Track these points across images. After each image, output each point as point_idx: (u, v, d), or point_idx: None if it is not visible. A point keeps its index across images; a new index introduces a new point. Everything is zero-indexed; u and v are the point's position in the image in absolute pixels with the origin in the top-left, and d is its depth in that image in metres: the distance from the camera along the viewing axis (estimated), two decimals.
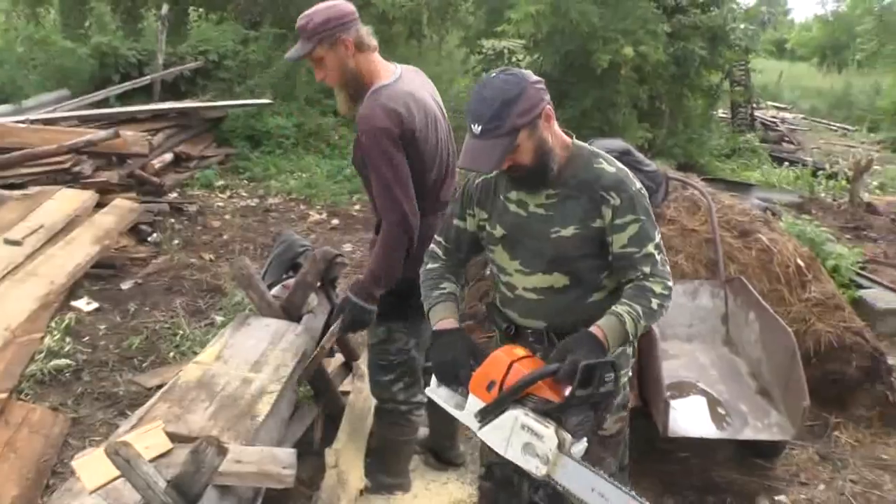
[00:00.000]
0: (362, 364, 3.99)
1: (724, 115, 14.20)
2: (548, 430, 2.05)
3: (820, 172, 11.56)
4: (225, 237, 6.97)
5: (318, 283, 3.56)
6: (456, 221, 2.51)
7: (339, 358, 4.06)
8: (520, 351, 2.22)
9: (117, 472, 2.24)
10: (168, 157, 8.11)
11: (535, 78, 2.22)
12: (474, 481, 3.75)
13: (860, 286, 6.75)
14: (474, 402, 2.21)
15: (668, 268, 2.36)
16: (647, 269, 2.28)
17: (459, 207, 2.49)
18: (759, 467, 4.05)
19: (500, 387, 2.14)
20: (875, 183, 11.87)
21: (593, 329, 2.22)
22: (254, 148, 9.53)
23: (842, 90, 20.21)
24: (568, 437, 2.06)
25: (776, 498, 3.89)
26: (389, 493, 3.53)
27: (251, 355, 3.20)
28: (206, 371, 3.06)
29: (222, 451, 2.22)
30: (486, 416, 2.17)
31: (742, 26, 10.65)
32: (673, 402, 3.58)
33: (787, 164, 12.04)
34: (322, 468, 3.29)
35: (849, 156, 12.55)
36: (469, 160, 2.21)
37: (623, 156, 4.79)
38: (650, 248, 2.30)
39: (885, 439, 4.50)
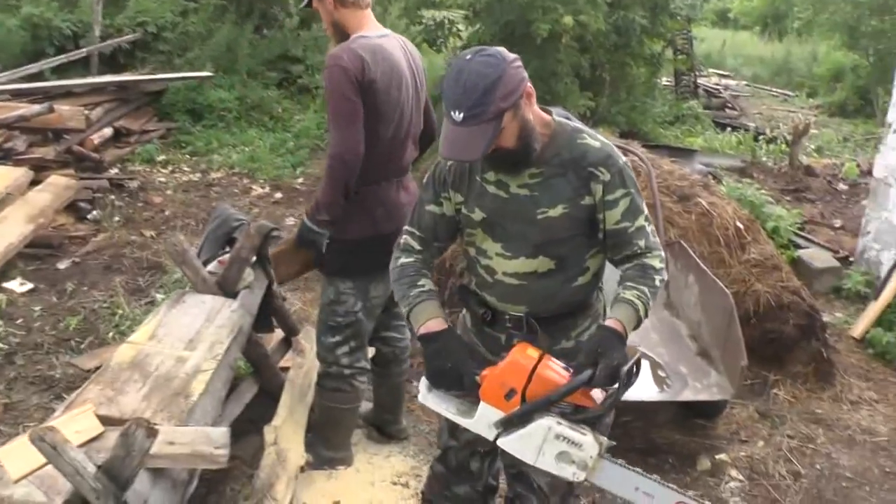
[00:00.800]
0: (302, 339, 3.97)
1: (667, 83, 14.32)
2: (586, 438, 1.99)
3: (761, 137, 11.79)
4: (167, 213, 6.83)
5: (254, 258, 3.50)
6: (430, 207, 2.35)
7: (278, 333, 4.01)
8: (533, 352, 2.08)
9: (44, 460, 2.17)
10: (108, 131, 7.83)
11: (512, 56, 2.10)
12: (417, 454, 3.77)
13: (798, 246, 6.91)
14: (489, 412, 2.08)
15: (657, 237, 2.34)
16: (641, 243, 2.25)
17: (432, 192, 2.34)
18: (700, 427, 4.14)
19: (523, 395, 2.03)
20: (813, 146, 12.12)
21: (612, 324, 2.15)
22: (195, 122, 9.32)
23: (782, 58, 20.56)
24: (604, 440, 2.04)
25: (717, 457, 4.00)
26: (331, 467, 3.54)
27: (186, 333, 3.15)
28: (140, 351, 2.99)
29: (152, 432, 2.17)
30: (509, 426, 2.04)
31: None
32: None
33: (729, 129, 12.23)
34: (263, 446, 3.25)
35: (788, 121, 12.83)
36: (453, 149, 2.09)
37: None
38: (641, 220, 2.26)
39: (819, 394, 4.66)
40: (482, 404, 2.08)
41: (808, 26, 19.57)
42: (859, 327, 5.61)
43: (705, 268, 4.20)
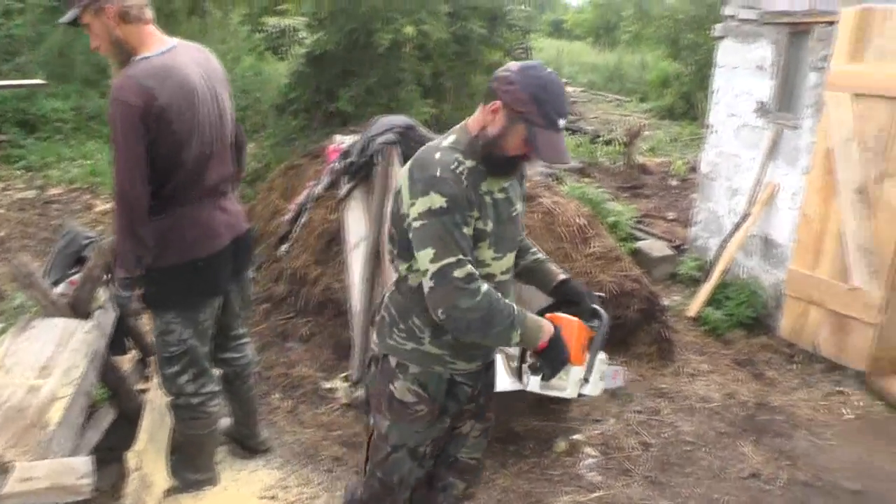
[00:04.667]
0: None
1: None
2: (603, 353, 2.46)
3: (599, 139, 12.41)
4: (1, 234, 6.48)
5: (107, 276, 3.41)
6: (466, 230, 2.24)
7: (134, 354, 3.93)
8: (560, 313, 2.44)
9: None
10: None
11: None
12: (283, 466, 3.78)
13: (637, 238, 7.36)
14: (576, 372, 2.38)
15: None
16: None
17: (460, 216, 2.22)
18: (554, 412, 4.36)
19: (588, 347, 2.41)
20: (646, 147, 12.88)
21: (570, 278, 2.63)
22: (28, 134, 8.82)
23: (614, 65, 21.79)
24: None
25: (573, 437, 4.24)
26: (197, 489, 3.48)
27: (37, 360, 3.05)
28: None
29: (3, 469, 2.09)
30: (590, 372, 2.39)
31: (522, 7, 11.10)
32: None
33: (569, 133, 12.78)
34: (125, 473, 3.18)
35: (623, 124, 13.59)
36: (562, 154, 2.25)
37: (407, 130, 4.94)
38: None
39: (662, 371, 5.04)
40: (574, 369, 2.37)
41: (637, 38, 20.76)
42: (693, 308, 6.07)
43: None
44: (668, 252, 7.22)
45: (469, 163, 2.29)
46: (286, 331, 5.05)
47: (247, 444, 3.82)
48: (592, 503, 3.76)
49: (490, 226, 2.34)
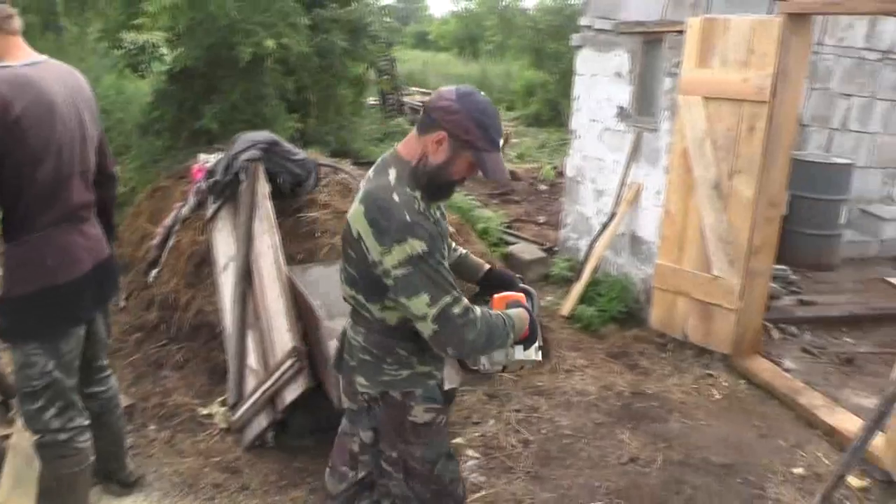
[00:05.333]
0: None
1: (374, 102, 14.82)
2: None
3: None
4: None
5: None
6: (446, 265, 2.30)
7: None
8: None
9: None
10: None
11: None
12: (162, 499, 3.64)
13: (508, 243, 7.50)
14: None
15: None
16: None
17: (438, 252, 2.26)
18: None
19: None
20: (515, 153, 13.14)
21: (494, 267, 2.84)
22: None
23: (480, 75, 22.14)
24: None
25: (453, 441, 4.22)
26: None
27: None
28: None
29: None
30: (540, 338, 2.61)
31: (387, 19, 11.16)
32: None
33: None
34: None
35: None
36: (504, 172, 2.33)
37: (271, 146, 4.87)
38: None
39: (538, 369, 5.15)
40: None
41: (500, 48, 21.24)
42: (567, 306, 6.22)
43: None
44: (540, 254, 7.39)
45: (418, 194, 2.33)
46: (160, 359, 4.88)
47: (116, 479, 3.65)
48: (476, 503, 3.78)
49: (445, 252, 2.43)
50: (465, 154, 2.28)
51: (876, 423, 3.59)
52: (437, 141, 2.28)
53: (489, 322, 2.31)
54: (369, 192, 2.30)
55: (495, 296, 2.59)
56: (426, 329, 2.26)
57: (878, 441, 4.02)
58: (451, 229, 5.30)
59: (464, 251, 2.86)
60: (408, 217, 2.21)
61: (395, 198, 2.24)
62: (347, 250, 2.39)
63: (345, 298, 2.58)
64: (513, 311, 2.46)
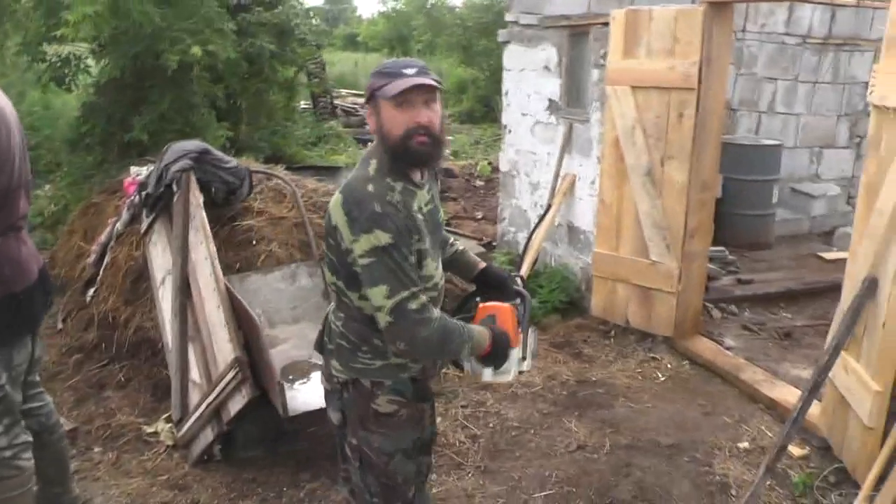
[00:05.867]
0: None
1: (306, 106, 14.71)
2: (533, 327, 2.70)
3: None
4: None
5: None
6: (412, 259, 2.30)
7: None
8: (496, 302, 2.61)
9: None
10: None
11: None
12: None
13: None
14: (515, 353, 2.57)
15: None
16: None
17: (406, 247, 2.27)
18: None
19: (520, 326, 2.60)
20: (450, 151, 13.16)
21: (490, 265, 2.83)
22: None
23: None
24: None
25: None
26: None
27: None
28: None
29: None
30: (525, 350, 2.60)
31: (315, 21, 11.08)
32: (292, 384, 3.69)
33: (370, 144, 12.87)
34: None
35: None
36: (415, 82, 2.24)
37: (202, 155, 4.80)
38: None
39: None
40: (513, 351, 2.55)
41: (430, 47, 21.27)
42: None
43: None
44: (479, 249, 7.44)
45: (399, 185, 2.34)
46: (101, 379, 4.78)
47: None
48: None
49: (427, 242, 2.40)
50: (380, 102, 2.30)
51: (812, 392, 3.71)
52: (369, 113, 2.38)
53: (445, 326, 2.33)
54: (348, 183, 2.36)
55: (481, 304, 2.62)
56: (382, 320, 2.28)
57: (815, 410, 4.14)
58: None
59: (461, 248, 2.86)
60: (378, 208, 2.24)
61: (370, 188, 2.28)
62: (328, 239, 2.42)
63: (328, 285, 2.67)
64: (475, 328, 2.46)
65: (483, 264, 2.84)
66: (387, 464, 2.59)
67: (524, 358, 2.61)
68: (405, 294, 2.25)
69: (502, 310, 2.56)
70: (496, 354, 2.50)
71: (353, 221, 2.26)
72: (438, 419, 4.52)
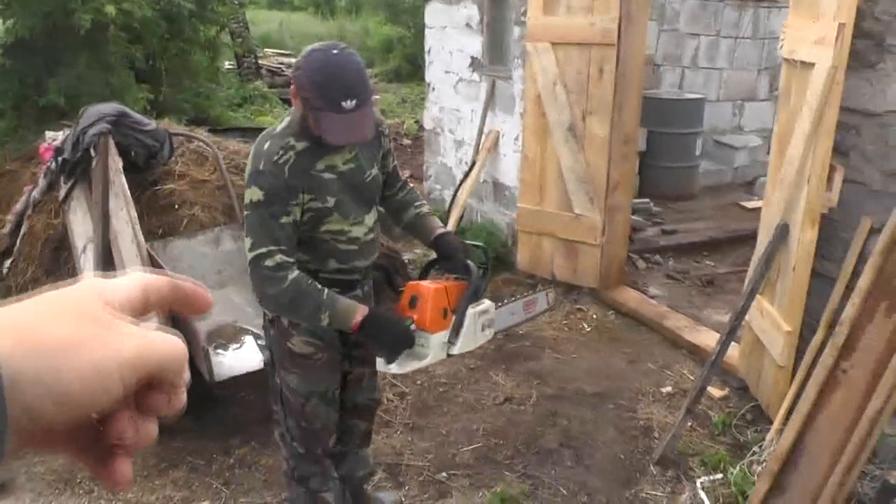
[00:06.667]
0: None
1: (230, 67, 14.40)
2: (487, 302, 2.66)
3: None
4: None
5: None
6: (284, 220, 2.36)
7: None
8: (426, 283, 2.58)
9: None
10: None
11: None
12: (36, 499, 3.50)
13: None
14: (438, 337, 2.50)
15: None
16: (402, 175, 2.87)
17: (280, 206, 2.34)
18: None
19: (453, 309, 2.53)
20: (377, 109, 13.04)
21: (447, 232, 2.78)
22: None
23: (337, 34, 21.78)
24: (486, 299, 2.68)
25: None
26: None
27: None
28: None
29: None
30: (456, 333, 2.54)
31: None
32: (217, 349, 3.67)
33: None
34: None
35: None
36: (350, 134, 2.30)
37: (120, 118, 4.68)
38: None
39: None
40: (433, 336, 2.48)
41: (355, 5, 20.98)
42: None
43: None
44: None
45: (301, 145, 2.39)
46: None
47: None
48: None
49: (331, 201, 2.45)
50: (308, 111, 2.33)
51: (729, 335, 3.85)
52: (293, 94, 2.39)
53: (302, 289, 2.37)
54: (260, 136, 2.49)
55: (408, 283, 2.61)
56: (248, 269, 2.42)
57: (734, 352, 4.31)
58: None
59: (423, 211, 2.85)
60: (262, 166, 2.35)
61: (266, 146, 2.39)
62: None
63: None
64: (346, 301, 2.45)
65: (439, 231, 2.79)
66: (303, 405, 2.67)
67: (452, 342, 2.56)
68: (262, 250, 2.34)
69: (424, 292, 2.52)
70: (371, 336, 2.46)
71: (247, 174, 2.43)
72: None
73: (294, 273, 2.37)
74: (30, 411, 0.47)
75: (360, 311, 2.43)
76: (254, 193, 2.35)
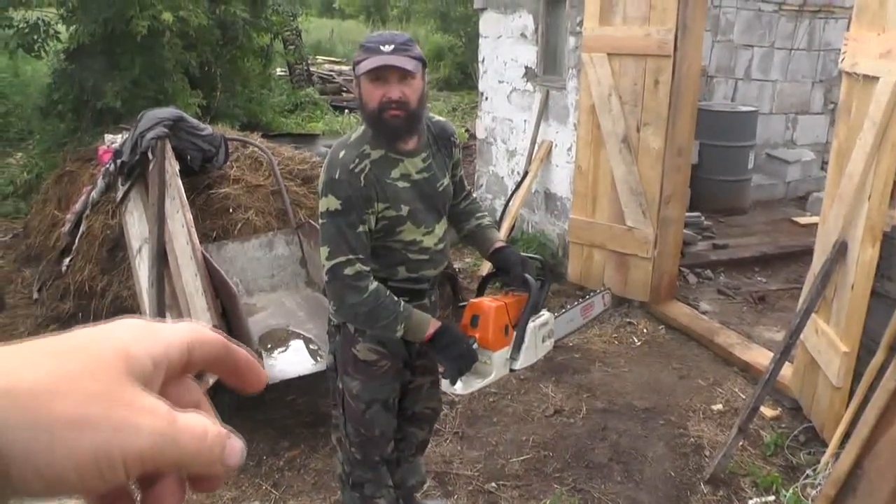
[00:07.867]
0: None
1: (282, 74, 14.58)
2: (546, 314, 2.67)
3: None
4: None
5: None
6: (361, 229, 2.38)
7: None
8: (487, 299, 2.58)
9: None
10: None
11: None
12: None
13: None
14: (501, 354, 2.52)
15: None
16: (467, 186, 2.86)
17: (356, 215, 2.36)
18: None
19: (514, 324, 2.55)
20: None
21: (506, 245, 2.76)
22: None
23: None
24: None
25: None
26: None
27: None
28: None
29: None
30: (518, 349, 2.55)
31: None
32: (270, 353, 3.70)
33: (347, 111, 12.79)
34: None
35: None
36: (385, 62, 2.28)
37: (177, 122, 4.76)
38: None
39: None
40: (495, 354, 2.50)
41: (406, 13, 21.08)
42: (485, 267, 6.25)
43: None
44: None
45: (376, 153, 2.42)
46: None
47: None
48: None
49: (405, 210, 2.46)
50: (359, 77, 2.37)
51: (783, 355, 3.77)
52: (354, 86, 2.45)
53: (380, 300, 2.39)
54: (334, 145, 2.51)
55: (470, 301, 2.61)
56: (324, 279, 2.44)
57: (787, 371, 4.22)
58: None
59: (485, 223, 2.83)
60: (337, 175, 2.36)
61: (341, 154, 2.40)
62: None
63: None
64: (420, 315, 2.47)
65: (498, 244, 2.77)
66: (363, 411, 2.67)
67: (514, 358, 2.55)
68: (341, 259, 2.36)
69: (485, 311, 2.52)
70: (440, 348, 2.47)
71: (321, 182, 2.42)
72: None
73: (373, 283, 2.39)
74: (12, 486, 0.41)
75: (433, 325, 2.47)
76: (330, 202, 2.36)
